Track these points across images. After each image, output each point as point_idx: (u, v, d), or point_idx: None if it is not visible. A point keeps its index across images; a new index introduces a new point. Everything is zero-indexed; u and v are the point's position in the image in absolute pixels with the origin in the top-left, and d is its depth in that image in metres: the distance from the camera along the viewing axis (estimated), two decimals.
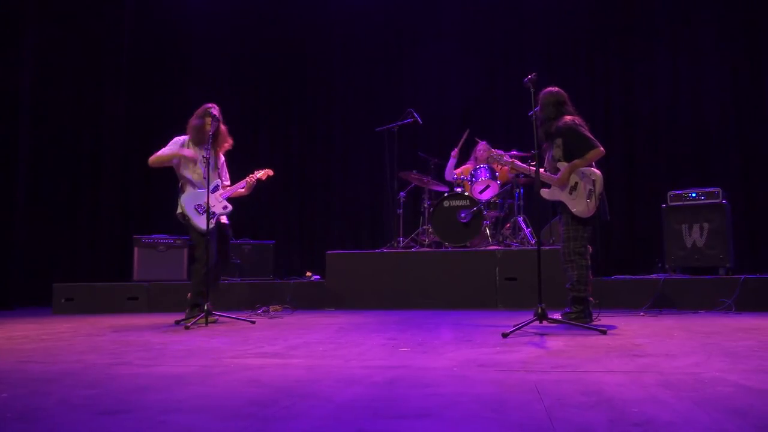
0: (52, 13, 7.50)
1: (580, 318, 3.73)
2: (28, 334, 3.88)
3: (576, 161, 3.83)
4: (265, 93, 8.52)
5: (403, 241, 6.36)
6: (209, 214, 4.33)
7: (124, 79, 8.03)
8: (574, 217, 3.84)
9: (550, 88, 4.02)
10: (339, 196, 8.20)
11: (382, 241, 7.04)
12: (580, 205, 3.79)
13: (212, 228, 4.41)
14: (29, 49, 7.21)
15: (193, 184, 4.53)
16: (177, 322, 4.26)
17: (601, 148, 3.83)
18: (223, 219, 4.69)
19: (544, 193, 3.94)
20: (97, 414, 1.62)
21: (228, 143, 4.70)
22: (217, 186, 4.58)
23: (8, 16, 7.02)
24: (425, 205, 6.37)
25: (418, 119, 6.58)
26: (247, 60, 8.54)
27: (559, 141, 3.90)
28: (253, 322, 4.28)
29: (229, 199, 4.65)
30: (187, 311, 4.37)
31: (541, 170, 3.90)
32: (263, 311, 5.28)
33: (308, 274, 6.59)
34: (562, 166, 3.89)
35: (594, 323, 3.65)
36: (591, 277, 3.88)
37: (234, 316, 4.49)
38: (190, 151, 4.49)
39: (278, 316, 5.05)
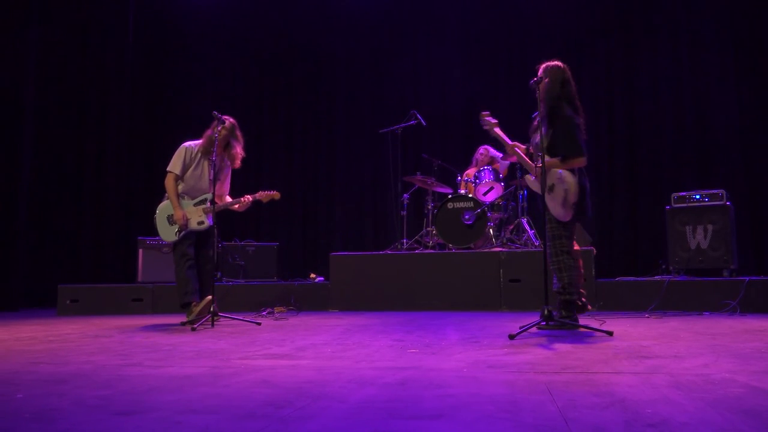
0: (55, 13, 7.52)
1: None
2: (36, 335, 3.89)
3: (555, 161, 3.60)
4: (268, 94, 8.53)
5: (407, 243, 6.38)
6: (214, 214, 4.42)
7: (128, 79, 8.03)
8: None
9: (556, 62, 3.76)
10: (343, 198, 8.21)
11: (386, 243, 7.06)
12: (556, 209, 3.61)
13: (189, 233, 4.49)
14: (33, 49, 7.22)
15: (183, 193, 4.54)
16: (183, 323, 4.29)
17: (585, 157, 3.62)
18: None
19: (529, 180, 3.86)
20: (113, 414, 1.63)
21: (235, 159, 4.57)
22: (204, 201, 4.54)
23: (11, 15, 7.03)
24: (429, 207, 6.39)
25: (422, 121, 6.59)
26: (250, 62, 8.56)
27: (551, 132, 3.65)
28: (259, 324, 4.29)
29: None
30: (186, 313, 4.44)
31: (521, 151, 3.83)
32: (268, 313, 5.29)
33: (312, 275, 6.59)
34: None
35: (600, 326, 3.65)
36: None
37: (239, 318, 4.51)
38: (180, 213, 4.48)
39: (283, 317, 5.06)
